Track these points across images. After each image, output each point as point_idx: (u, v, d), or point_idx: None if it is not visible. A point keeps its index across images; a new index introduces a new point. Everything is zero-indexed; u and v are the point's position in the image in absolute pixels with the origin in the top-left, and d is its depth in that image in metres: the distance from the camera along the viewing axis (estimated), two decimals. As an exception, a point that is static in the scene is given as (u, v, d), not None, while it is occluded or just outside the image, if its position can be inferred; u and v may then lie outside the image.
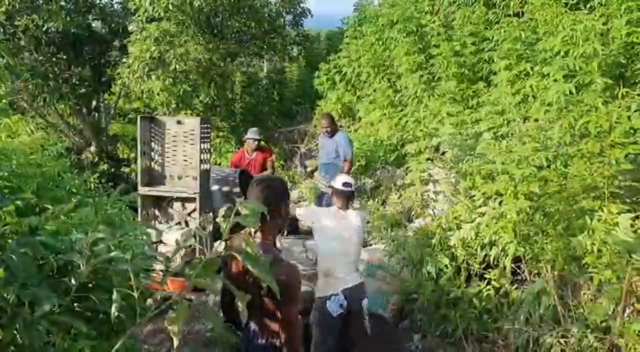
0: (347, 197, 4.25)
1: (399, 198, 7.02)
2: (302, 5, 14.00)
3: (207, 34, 12.11)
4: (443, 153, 6.58)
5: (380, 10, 11.39)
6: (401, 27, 8.97)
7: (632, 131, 4.38)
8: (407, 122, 8.34)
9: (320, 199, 7.18)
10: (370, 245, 6.13)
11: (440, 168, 6.09)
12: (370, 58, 10.22)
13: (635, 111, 4.65)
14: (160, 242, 5.53)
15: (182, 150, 6.04)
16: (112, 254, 1.96)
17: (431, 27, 8.89)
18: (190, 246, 4.85)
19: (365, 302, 4.05)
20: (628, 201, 4.18)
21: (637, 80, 5.32)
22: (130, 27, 13.08)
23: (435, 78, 8.21)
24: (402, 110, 8.99)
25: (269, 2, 13.36)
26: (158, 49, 10.78)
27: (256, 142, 7.61)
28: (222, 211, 1.96)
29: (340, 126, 11.33)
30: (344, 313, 3.95)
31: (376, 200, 7.22)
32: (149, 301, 2.27)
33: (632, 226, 3.85)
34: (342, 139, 7.07)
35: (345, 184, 4.26)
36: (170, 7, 10.93)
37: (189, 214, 6.07)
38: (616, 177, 4.01)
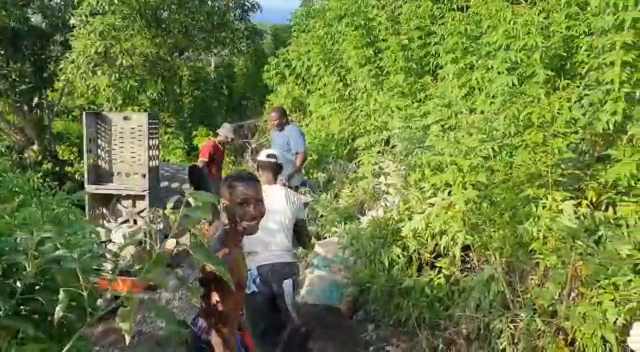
0: (273, 170, 4.10)
1: (351, 192, 7.07)
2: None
3: (153, 28, 11.86)
4: (393, 146, 6.67)
5: (328, 3, 11.41)
6: (349, 21, 9.01)
7: (573, 121, 4.55)
8: (357, 116, 8.40)
9: None
10: (325, 238, 6.15)
11: (390, 161, 6.18)
12: (319, 52, 10.23)
13: (576, 102, 4.84)
14: (109, 241, 5.40)
15: (130, 146, 5.91)
16: (59, 252, 1.90)
17: (378, 22, 8.97)
18: (140, 243, 4.78)
19: (287, 282, 3.79)
20: (571, 188, 4.35)
21: (577, 73, 5.51)
22: (71, 21, 12.67)
23: (384, 72, 8.30)
24: (352, 104, 9.05)
25: (217, -5, 13.20)
26: (103, 44, 10.50)
27: (230, 139, 7.74)
28: (170, 203, 1.93)
29: (291, 120, 11.31)
30: (264, 292, 3.73)
31: (329, 194, 7.24)
32: (99, 301, 2.22)
33: (575, 212, 4.00)
34: (293, 132, 6.98)
35: (269, 156, 4.12)
36: (115, 1, 10.65)
37: (138, 213, 5.95)
38: (559, 165, 4.16)
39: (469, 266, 4.63)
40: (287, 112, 11.59)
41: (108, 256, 2.01)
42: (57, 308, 1.75)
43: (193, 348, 2.45)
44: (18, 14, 11.92)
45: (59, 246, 2.12)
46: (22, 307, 2.04)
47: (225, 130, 7.61)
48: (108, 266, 2.34)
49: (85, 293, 1.79)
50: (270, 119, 7.38)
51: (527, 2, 6.90)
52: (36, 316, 2.05)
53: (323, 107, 9.78)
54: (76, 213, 3.35)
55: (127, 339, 1.68)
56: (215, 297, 2.29)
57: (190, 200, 1.92)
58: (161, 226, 5.41)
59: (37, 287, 2.10)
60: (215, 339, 2.32)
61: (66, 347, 1.66)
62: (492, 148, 4.40)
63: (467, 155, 4.34)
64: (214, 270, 1.91)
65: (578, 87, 4.94)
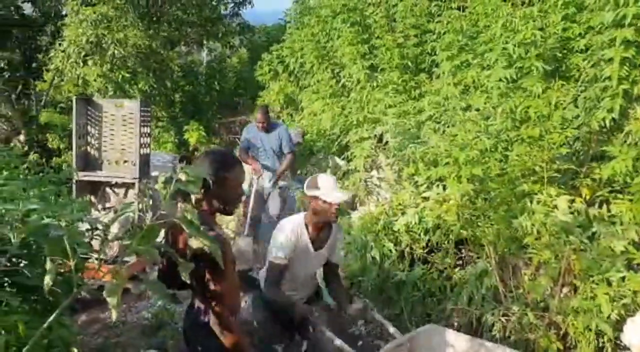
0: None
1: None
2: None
3: (146, 20, 11.76)
4: (386, 143, 6.64)
5: (323, 0, 11.37)
6: (344, 18, 8.97)
7: (569, 120, 4.55)
8: (350, 109, 8.35)
9: (261, 200, 6.50)
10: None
11: (384, 156, 6.15)
12: (314, 48, 10.18)
13: (570, 103, 4.83)
14: (96, 229, 5.30)
15: (121, 134, 5.80)
16: (46, 221, 1.83)
17: (374, 19, 8.94)
18: (127, 230, 4.69)
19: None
20: (565, 184, 4.34)
21: (572, 75, 5.51)
22: (64, 11, 12.53)
23: (379, 69, 8.27)
24: (345, 99, 9.02)
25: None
26: (95, 33, 10.36)
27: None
28: (161, 178, 1.87)
29: (279, 117, 11.25)
30: None
31: (320, 189, 7.18)
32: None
33: (569, 207, 3.99)
34: (285, 133, 6.39)
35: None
36: (108, -9, 10.55)
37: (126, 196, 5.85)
38: (554, 161, 4.14)
39: (461, 260, 4.60)
40: (279, 109, 11.58)
41: (98, 226, 1.94)
42: (47, 278, 1.67)
43: (191, 331, 2.38)
44: (8, 2, 11.78)
45: (45, 218, 2.05)
46: (6, 279, 1.97)
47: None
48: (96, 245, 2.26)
49: (72, 263, 1.71)
50: (256, 120, 6.45)
51: (525, 4, 6.92)
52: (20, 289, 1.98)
53: (316, 103, 9.73)
54: (63, 192, 3.25)
55: (114, 314, 1.60)
56: (208, 276, 2.22)
57: (181, 175, 1.86)
58: (150, 201, 5.29)
59: (22, 261, 2.03)
60: (213, 320, 2.26)
61: (51, 318, 1.58)
62: (489, 142, 4.37)
63: (463, 149, 4.32)
64: (206, 247, 1.85)
65: (574, 87, 4.93)
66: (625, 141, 4.26)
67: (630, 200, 3.97)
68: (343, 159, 7.93)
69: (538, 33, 4.92)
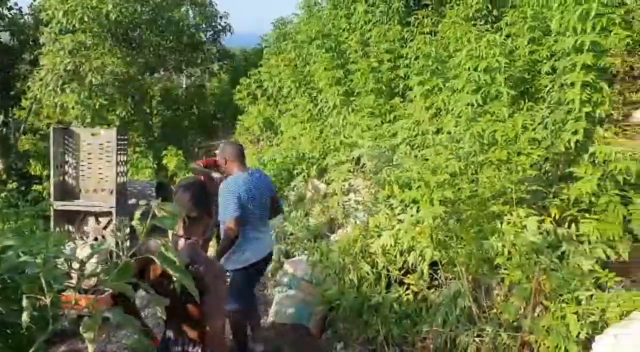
0: None
1: (321, 210, 7.10)
2: (223, 21, 14.02)
3: (124, 47, 11.85)
4: (363, 165, 6.74)
5: (299, 27, 11.57)
6: (320, 43, 9.14)
7: (536, 141, 4.69)
8: (327, 134, 8.48)
9: None
10: (294, 256, 6.15)
11: (361, 179, 6.24)
12: (291, 73, 10.34)
13: (539, 124, 4.99)
14: (72, 267, 5.29)
15: (98, 163, 5.83)
16: (22, 259, 1.88)
17: (349, 45, 9.12)
18: (106, 261, 4.68)
19: None
20: (535, 205, 4.46)
21: (540, 96, 5.69)
22: (41, 40, 12.57)
23: (355, 93, 8.43)
24: (322, 123, 9.15)
25: (187, 16, 13.27)
26: (73, 61, 10.42)
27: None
28: (137, 213, 1.93)
29: (259, 141, 11.29)
30: None
31: (299, 212, 7.25)
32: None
33: (539, 227, 4.09)
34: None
35: None
36: (86, 19, 10.63)
37: (104, 228, 5.86)
38: (523, 182, 4.26)
39: (436, 282, 4.68)
40: (258, 132, 11.61)
41: (74, 264, 1.99)
42: (24, 315, 1.72)
43: None
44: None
45: (21, 254, 2.09)
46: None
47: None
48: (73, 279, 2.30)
49: (48, 300, 1.77)
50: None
51: (493, 28, 7.14)
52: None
53: (294, 127, 9.85)
54: (39, 224, 3.28)
55: (90, 349, 1.66)
56: (219, 315, 2.30)
57: (157, 211, 1.93)
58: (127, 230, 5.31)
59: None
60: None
61: (28, 354, 1.63)
62: (459, 165, 4.48)
63: (434, 172, 4.42)
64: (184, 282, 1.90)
65: (541, 109, 5.09)
66: (591, 161, 4.41)
67: (597, 219, 4.11)
68: (323, 182, 8.02)
69: (502, 60, 5.08)
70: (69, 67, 10.38)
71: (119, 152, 5.74)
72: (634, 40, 6.49)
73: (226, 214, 3.96)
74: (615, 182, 4.16)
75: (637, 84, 7.74)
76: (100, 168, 5.83)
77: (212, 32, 14.29)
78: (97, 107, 11.09)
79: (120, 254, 1.92)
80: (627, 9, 6.99)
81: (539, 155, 4.44)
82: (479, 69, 5.17)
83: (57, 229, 5.76)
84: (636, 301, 3.51)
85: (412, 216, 4.60)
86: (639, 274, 4.34)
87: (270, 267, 6.11)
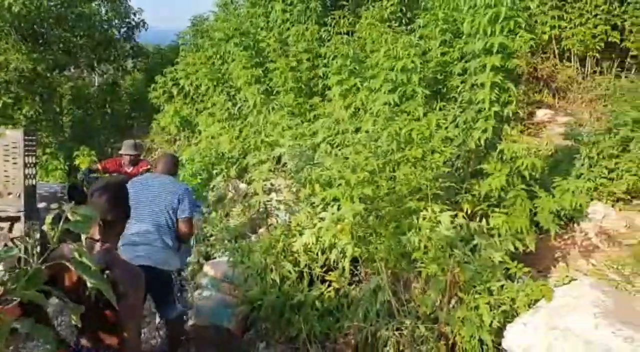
0: None
1: (242, 210, 7.04)
2: (136, 17, 13.58)
3: (30, 43, 11.21)
4: (284, 165, 6.75)
5: (216, 24, 11.39)
6: (237, 42, 9.05)
7: (449, 140, 4.89)
8: (247, 134, 8.42)
9: None
10: (214, 258, 6.06)
11: (282, 178, 6.25)
12: (208, 71, 10.17)
13: (451, 123, 5.20)
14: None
15: (3, 165, 5.49)
16: None
17: (267, 43, 9.09)
18: (14, 267, 4.42)
19: None
20: (448, 201, 4.64)
21: (452, 95, 5.93)
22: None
23: (274, 92, 8.41)
24: (242, 122, 9.07)
25: (99, 12, 12.73)
26: (-27, 57, 9.76)
27: (131, 157, 6.91)
28: (49, 217, 1.85)
29: (176, 141, 11.06)
30: None
31: (219, 213, 7.16)
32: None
33: (452, 222, 4.27)
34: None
35: None
36: (-13, 13, 9.98)
37: (10, 232, 5.53)
38: (437, 179, 4.42)
39: (357, 278, 4.76)
40: (175, 132, 11.36)
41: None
42: None
43: None
44: None
45: None
46: None
47: (125, 149, 7.02)
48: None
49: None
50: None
51: (407, 29, 7.36)
52: None
53: (213, 126, 9.70)
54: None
55: (-4, 363, 1.57)
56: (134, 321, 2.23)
57: (70, 215, 1.85)
58: (37, 236, 5.06)
59: None
60: None
61: None
62: (377, 163, 4.58)
63: (354, 171, 4.50)
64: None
65: (453, 108, 5.30)
66: (499, 158, 4.64)
67: (506, 213, 4.34)
68: (243, 182, 7.96)
69: (417, 60, 5.25)
70: (-32, 63, 9.74)
71: (26, 154, 5.43)
72: (536, 42, 6.91)
73: None
74: (522, 177, 4.41)
75: (540, 84, 8.25)
76: (6, 170, 5.50)
77: (125, 28, 13.79)
78: (1, 105, 10.44)
79: (30, 260, 1.83)
80: (530, 13, 7.43)
81: (451, 153, 4.63)
82: (395, 69, 5.31)
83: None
84: (543, 290, 3.74)
85: (333, 214, 4.65)
86: (545, 264, 4.63)
87: (189, 269, 6.02)
